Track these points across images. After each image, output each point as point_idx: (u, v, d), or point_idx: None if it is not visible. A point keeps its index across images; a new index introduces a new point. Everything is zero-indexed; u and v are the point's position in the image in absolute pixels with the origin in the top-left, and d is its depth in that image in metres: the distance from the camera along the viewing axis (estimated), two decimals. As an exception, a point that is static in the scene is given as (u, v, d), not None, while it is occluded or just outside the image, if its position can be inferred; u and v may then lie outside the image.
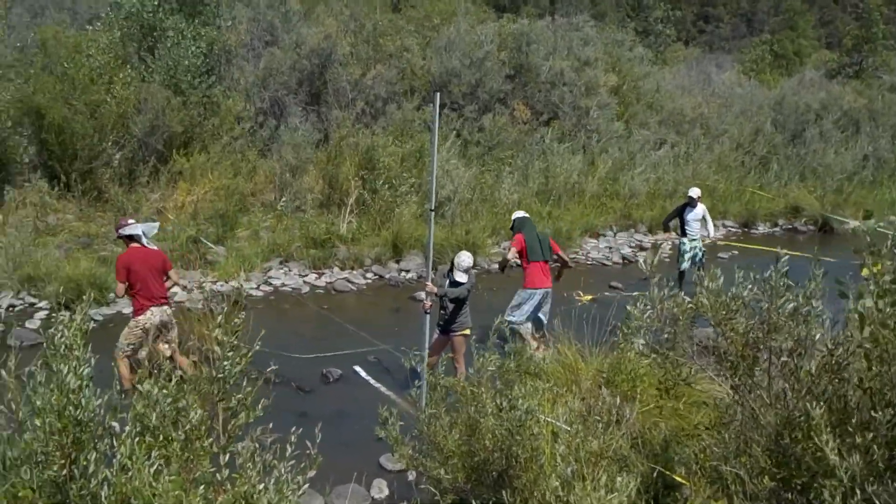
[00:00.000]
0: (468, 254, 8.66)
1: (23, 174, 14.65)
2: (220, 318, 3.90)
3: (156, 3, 16.98)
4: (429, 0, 26.86)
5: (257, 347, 4.34)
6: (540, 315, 9.98)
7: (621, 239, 17.56)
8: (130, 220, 8.43)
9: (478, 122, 19.22)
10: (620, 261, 15.98)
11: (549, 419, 4.88)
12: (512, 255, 9.92)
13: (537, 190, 17.97)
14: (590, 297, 12.33)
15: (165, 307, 8.26)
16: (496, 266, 8.76)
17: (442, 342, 8.71)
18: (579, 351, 7.47)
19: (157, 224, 8.85)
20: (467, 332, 8.56)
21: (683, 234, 12.82)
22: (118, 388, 4.14)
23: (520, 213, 10.51)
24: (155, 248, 8.43)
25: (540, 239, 10.00)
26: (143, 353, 8.00)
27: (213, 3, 18.21)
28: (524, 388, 4.60)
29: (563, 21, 24.36)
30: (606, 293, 12.81)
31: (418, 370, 7.31)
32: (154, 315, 8.09)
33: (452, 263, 8.65)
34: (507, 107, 20.14)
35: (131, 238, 8.18)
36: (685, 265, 12.78)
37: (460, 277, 8.44)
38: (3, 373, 3.61)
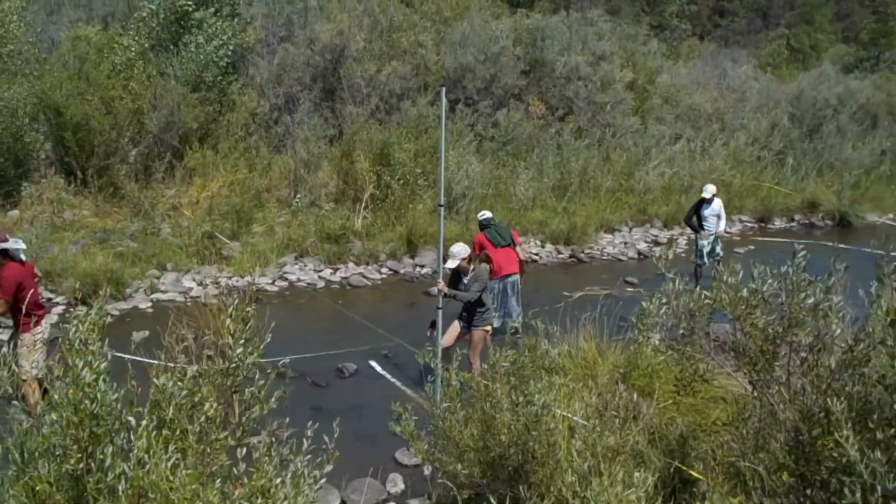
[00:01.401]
0: (461, 244, 8.65)
1: (39, 170, 14.74)
2: (230, 310, 3.89)
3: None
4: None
5: (268, 339, 4.34)
6: (512, 305, 10.10)
7: (636, 234, 17.48)
8: (6, 235, 7.86)
9: (492, 117, 19.18)
10: (636, 256, 15.91)
11: (565, 414, 4.86)
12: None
13: (552, 185, 17.92)
14: (606, 292, 12.27)
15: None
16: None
17: (461, 332, 8.71)
18: (596, 346, 7.45)
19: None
20: (488, 328, 8.56)
21: (700, 229, 12.77)
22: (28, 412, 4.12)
23: (485, 213, 10.80)
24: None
25: (500, 229, 10.12)
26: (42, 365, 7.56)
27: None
28: (540, 384, 4.58)
29: (578, 16, 24.23)
30: (627, 289, 12.76)
31: (432, 365, 7.31)
32: (47, 323, 7.89)
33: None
34: (522, 102, 20.10)
35: (6, 254, 7.60)
36: (703, 260, 12.73)
37: (449, 263, 8.42)
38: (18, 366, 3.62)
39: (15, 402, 3.69)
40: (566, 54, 20.82)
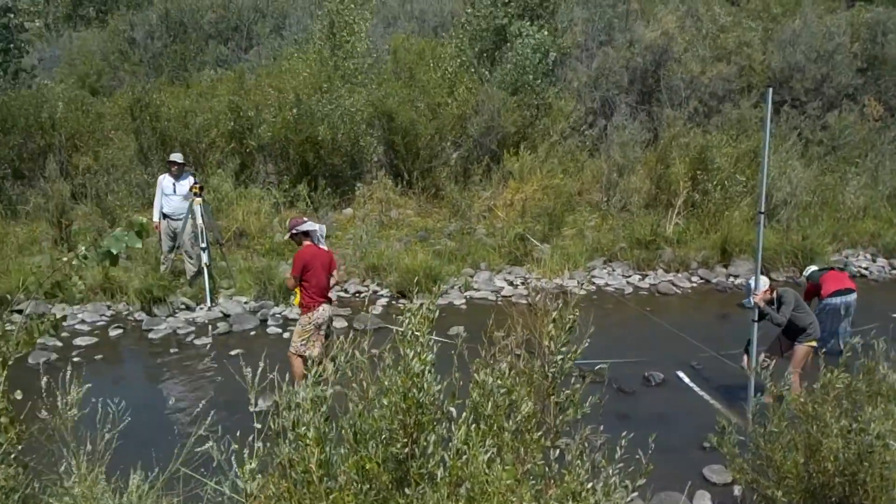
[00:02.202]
0: (764, 279, 8.15)
1: (371, 172, 16.02)
2: (554, 313, 3.95)
3: (507, 10, 17.74)
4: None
5: (587, 344, 4.36)
6: (843, 325, 9.36)
7: None
8: (305, 219, 8.62)
9: (821, 119, 17.87)
10: None
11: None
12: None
13: (888, 194, 16.29)
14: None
15: (330, 305, 8.48)
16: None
17: (785, 346, 8.25)
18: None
19: (323, 227, 8.74)
20: (814, 343, 8.02)
21: None
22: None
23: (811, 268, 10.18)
24: (325, 248, 8.51)
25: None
26: (315, 351, 8.15)
27: (552, 6, 18.58)
28: (876, 411, 4.19)
29: (927, 7, 21.88)
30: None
31: (749, 381, 6.99)
32: (325, 311, 8.29)
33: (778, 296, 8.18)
34: (857, 103, 18.51)
35: (306, 235, 8.33)
36: None
37: (747, 302, 8.04)
38: (358, 353, 3.94)
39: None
40: (912, 49, 18.90)
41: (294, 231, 8.38)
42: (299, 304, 8.34)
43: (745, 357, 8.12)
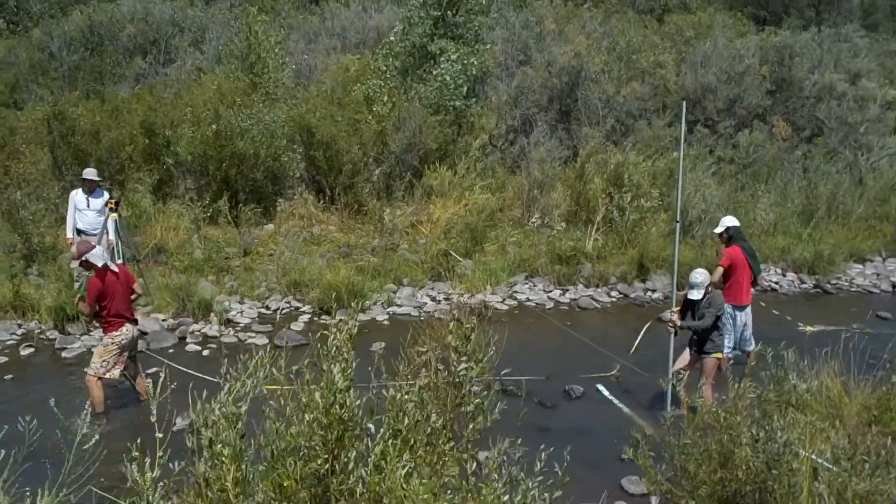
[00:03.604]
0: (702, 270, 8.33)
1: (293, 188, 15.89)
2: (451, 325, 4.00)
3: (430, 30, 17.83)
4: (682, 14, 26.22)
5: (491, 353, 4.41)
6: (747, 336, 9.58)
7: (892, 265, 16.07)
8: (93, 244, 8.57)
9: (733, 138, 18.47)
10: (890, 289, 14.63)
11: (809, 455, 4.56)
12: (717, 276, 9.34)
13: (797, 210, 16.91)
14: (857, 326, 11.37)
15: (134, 326, 8.41)
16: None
17: (693, 360, 8.44)
18: (842, 384, 6.95)
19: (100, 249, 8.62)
20: (720, 355, 8.23)
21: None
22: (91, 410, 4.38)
23: (731, 220, 9.85)
24: (116, 268, 8.41)
25: (749, 249, 9.51)
26: (115, 373, 8.08)
27: (474, 28, 18.77)
28: (783, 420, 4.33)
29: (831, 32, 22.84)
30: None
31: (666, 393, 7.14)
32: (129, 330, 8.21)
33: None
34: (766, 123, 19.20)
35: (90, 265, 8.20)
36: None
37: (693, 294, 8.15)
38: (275, 371, 3.90)
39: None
40: (816, 72, 19.68)
41: (84, 258, 8.19)
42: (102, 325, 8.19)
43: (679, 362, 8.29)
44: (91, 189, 11.45)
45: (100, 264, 8.11)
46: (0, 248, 12.94)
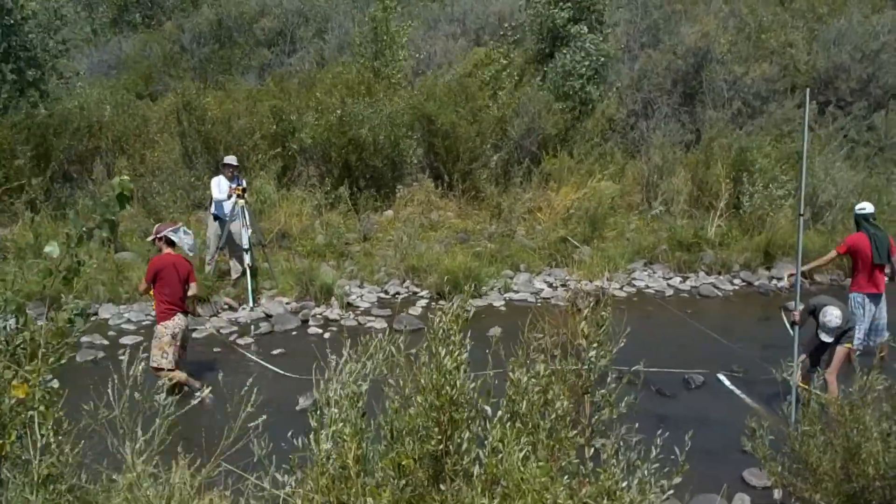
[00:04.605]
0: (838, 312, 7.75)
1: (412, 174, 16.10)
2: (586, 312, 3.97)
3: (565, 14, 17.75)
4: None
5: (622, 344, 4.37)
6: (881, 326, 8.94)
7: None
8: (180, 225, 8.69)
9: (867, 120, 17.60)
10: None
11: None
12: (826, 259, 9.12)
13: (936, 196, 15.99)
14: None
15: (186, 316, 8.47)
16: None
17: (822, 346, 8.09)
18: None
19: (190, 238, 8.76)
20: (850, 345, 7.88)
21: None
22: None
23: (862, 205, 9.23)
24: (187, 259, 8.53)
25: (880, 238, 8.90)
26: (171, 361, 8.11)
27: (602, 7, 18.50)
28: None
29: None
30: None
31: (791, 383, 6.91)
32: (180, 320, 8.27)
33: (814, 308, 7.96)
34: (905, 103, 18.22)
35: (170, 243, 8.36)
36: None
37: (824, 338, 7.77)
38: (394, 350, 3.99)
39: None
40: (959, 49, 18.54)
41: (157, 236, 8.39)
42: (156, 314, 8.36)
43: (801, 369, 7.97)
44: (232, 176, 11.85)
45: (174, 245, 8.40)
46: (137, 234, 13.57)
